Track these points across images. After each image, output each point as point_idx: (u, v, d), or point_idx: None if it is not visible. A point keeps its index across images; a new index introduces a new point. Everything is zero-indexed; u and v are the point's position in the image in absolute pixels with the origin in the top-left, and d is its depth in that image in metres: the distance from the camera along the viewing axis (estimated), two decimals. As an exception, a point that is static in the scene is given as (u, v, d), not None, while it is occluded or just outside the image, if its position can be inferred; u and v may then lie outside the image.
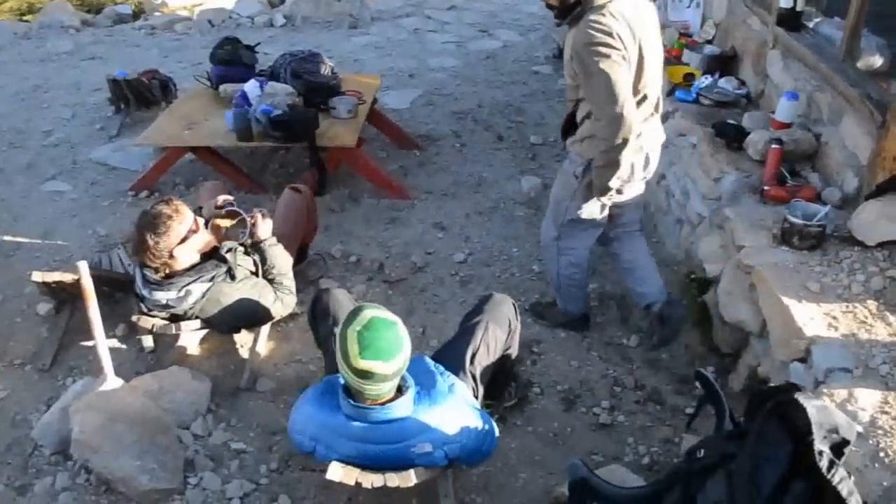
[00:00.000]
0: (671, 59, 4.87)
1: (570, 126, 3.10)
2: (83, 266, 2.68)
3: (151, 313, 2.99)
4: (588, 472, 2.39)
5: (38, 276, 3.10)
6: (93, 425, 2.66)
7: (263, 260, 3.09)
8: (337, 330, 2.07)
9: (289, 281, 3.14)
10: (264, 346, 3.34)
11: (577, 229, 3.24)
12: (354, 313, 2.04)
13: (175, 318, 2.99)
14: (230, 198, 3.29)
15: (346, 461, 2.13)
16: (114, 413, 2.71)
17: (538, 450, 2.86)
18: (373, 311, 2.03)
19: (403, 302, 3.69)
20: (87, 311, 2.76)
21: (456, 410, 2.19)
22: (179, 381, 3.01)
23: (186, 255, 2.88)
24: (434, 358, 2.58)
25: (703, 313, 3.42)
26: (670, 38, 5.10)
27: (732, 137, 3.75)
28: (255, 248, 3.12)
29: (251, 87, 4.51)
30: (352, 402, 2.08)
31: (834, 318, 2.65)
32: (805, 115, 3.69)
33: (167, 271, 2.86)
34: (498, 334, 2.67)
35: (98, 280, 3.18)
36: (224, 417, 3.04)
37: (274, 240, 3.12)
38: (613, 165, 2.91)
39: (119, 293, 3.58)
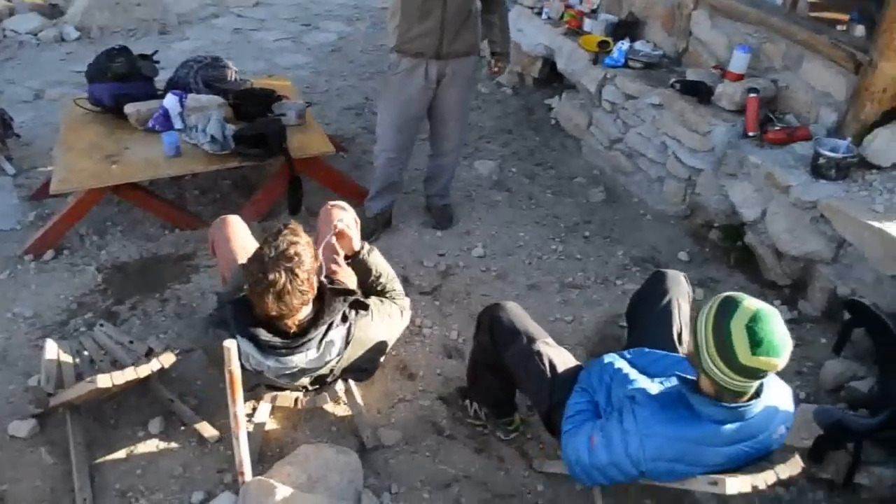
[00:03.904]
0: (574, 31, 5.03)
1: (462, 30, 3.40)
2: (231, 346, 1.98)
3: (285, 387, 2.33)
4: (842, 412, 2.43)
5: (104, 381, 2.20)
6: (288, 546, 2.03)
7: (367, 272, 2.55)
8: (703, 332, 1.80)
9: (398, 284, 2.63)
10: (358, 395, 2.80)
11: None
12: (729, 305, 1.78)
13: (315, 382, 2.37)
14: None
15: (712, 471, 1.90)
16: (302, 523, 2.09)
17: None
18: (752, 301, 1.79)
19: (459, 310, 3.35)
20: (233, 405, 2.06)
21: (779, 383, 2.06)
22: (325, 461, 2.40)
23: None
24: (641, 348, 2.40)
25: (746, 255, 3.62)
26: (557, 11, 5.25)
27: (704, 93, 3.99)
28: (352, 262, 2.57)
29: (171, 102, 3.68)
30: (725, 404, 1.85)
31: (915, 230, 2.99)
32: (752, 66, 4.04)
33: (298, 325, 2.24)
34: (686, 309, 2.56)
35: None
36: (381, 487, 2.52)
37: (367, 245, 2.58)
38: None
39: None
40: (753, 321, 1.75)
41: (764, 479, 1.87)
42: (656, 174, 4.21)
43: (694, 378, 1.97)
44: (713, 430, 1.87)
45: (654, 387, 2.05)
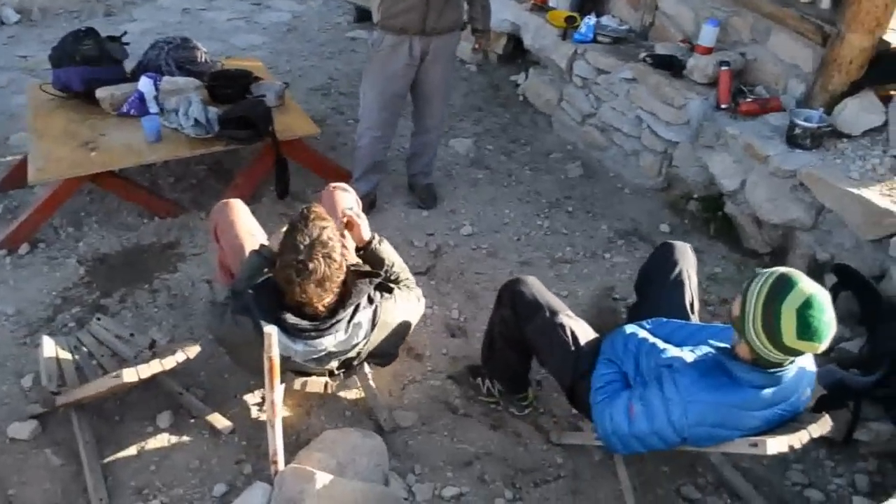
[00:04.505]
0: (540, 6, 5.04)
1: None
2: (272, 330, 1.94)
3: (312, 371, 2.30)
4: (843, 372, 2.56)
5: (130, 375, 2.12)
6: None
7: (379, 263, 2.53)
8: (752, 304, 1.84)
9: (410, 274, 2.61)
10: (371, 379, 2.78)
11: None
12: (784, 285, 1.81)
13: (342, 367, 2.35)
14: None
15: (748, 434, 1.98)
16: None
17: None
18: (807, 284, 1.82)
19: (456, 289, 3.36)
20: (270, 392, 2.02)
21: None
22: (352, 445, 2.39)
23: None
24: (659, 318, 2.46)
25: (726, 225, 3.74)
26: (522, -12, 5.26)
27: (676, 67, 4.07)
28: (364, 253, 2.54)
29: (147, 85, 3.54)
30: (764, 370, 1.92)
31: (889, 195, 3.14)
32: (720, 39, 4.13)
33: (325, 307, 2.21)
34: (694, 279, 2.63)
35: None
36: (404, 469, 2.52)
37: (377, 235, 2.56)
38: None
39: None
40: (806, 307, 1.77)
41: (799, 439, 1.95)
42: (631, 148, 4.28)
43: (728, 346, 2.04)
44: (753, 395, 1.94)
45: (687, 355, 2.11)
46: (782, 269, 1.88)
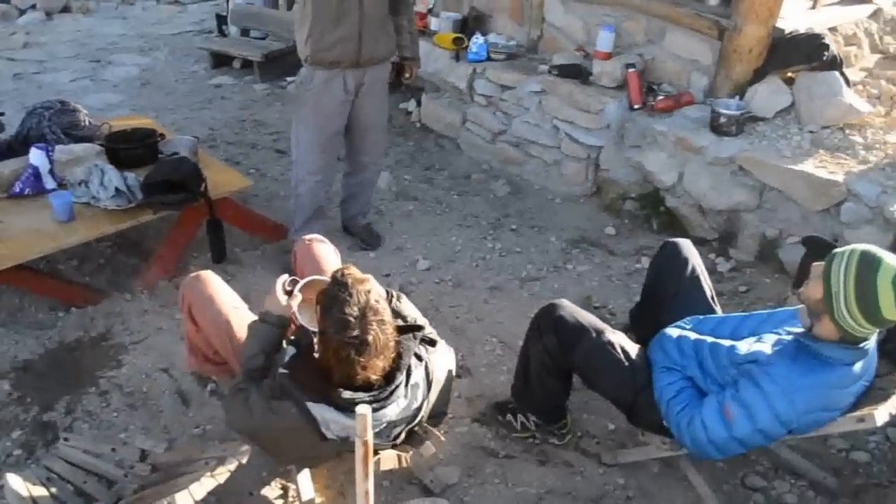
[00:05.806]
0: (422, 31, 4.95)
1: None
2: (365, 411, 1.63)
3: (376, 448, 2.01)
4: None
5: (184, 499, 1.71)
6: None
7: (403, 321, 2.30)
8: (842, 283, 1.82)
9: (430, 327, 2.40)
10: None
11: None
12: (872, 260, 1.82)
13: (409, 436, 2.08)
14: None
15: (846, 412, 1.98)
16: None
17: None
18: (891, 257, 1.84)
19: (439, 327, 3.04)
20: (364, 482, 1.70)
21: None
22: (424, 516, 2.13)
23: None
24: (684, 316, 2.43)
25: (669, 218, 3.83)
26: (397, 14, 5.14)
27: (584, 75, 4.15)
28: None
29: (39, 158, 3.01)
30: (854, 346, 1.92)
31: (823, 167, 3.36)
32: (615, 44, 4.26)
33: (381, 373, 1.94)
34: (705, 272, 2.63)
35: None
36: (473, 530, 2.28)
37: (393, 292, 2.31)
38: None
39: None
40: None
41: (894, 405, 1.98)
42: (552, 159, 4.29)
43: (801, 329, 2.03)
44: (846, 372, 1.94)
45: (761, 346, 2.08)
46: (861, 247, 1.90)
